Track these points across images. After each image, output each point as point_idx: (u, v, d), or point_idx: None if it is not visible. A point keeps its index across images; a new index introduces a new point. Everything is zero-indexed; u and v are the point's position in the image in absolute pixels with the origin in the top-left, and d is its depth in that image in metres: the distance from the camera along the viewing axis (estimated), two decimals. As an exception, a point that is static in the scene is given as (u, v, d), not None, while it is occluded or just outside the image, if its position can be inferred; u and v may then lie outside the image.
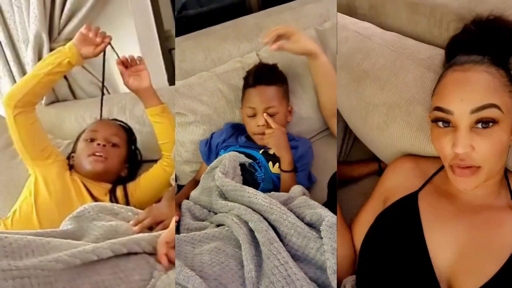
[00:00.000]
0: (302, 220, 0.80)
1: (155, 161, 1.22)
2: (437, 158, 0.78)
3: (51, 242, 0.72)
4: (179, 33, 1.44)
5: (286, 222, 0.78)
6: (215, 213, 0.95)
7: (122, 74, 1.13)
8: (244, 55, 1.34)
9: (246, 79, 1.16)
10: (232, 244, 0.80)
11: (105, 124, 1.24)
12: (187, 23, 1.96)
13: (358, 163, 1.12)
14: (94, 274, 0.71)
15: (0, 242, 0.66)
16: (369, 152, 1.06)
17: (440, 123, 0.69)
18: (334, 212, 0.80)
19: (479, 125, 0.65)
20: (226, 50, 1.36)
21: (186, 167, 1.26)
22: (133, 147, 1.27)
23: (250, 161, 1.08)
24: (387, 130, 0.91)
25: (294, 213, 0.82)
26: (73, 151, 1.21)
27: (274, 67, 1.16)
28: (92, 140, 1.16)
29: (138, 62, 1.14)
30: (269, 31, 1.04)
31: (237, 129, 1.20)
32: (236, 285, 0.70)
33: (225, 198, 0.95)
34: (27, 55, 1.46)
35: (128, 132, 1.27)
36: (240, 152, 1.08)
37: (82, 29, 1.08)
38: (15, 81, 1.51)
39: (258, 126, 1.09)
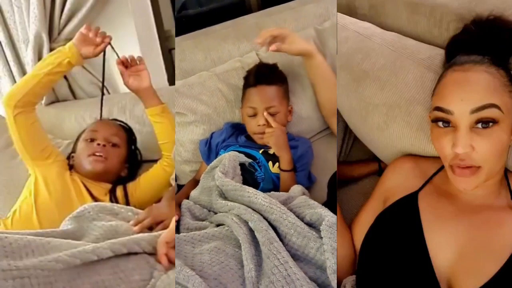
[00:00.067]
0: (302, 220, 0.80)
1: (155, 161, 1.22)
2: (437, 158, 0.78)
3: (51, 242, 0.72)
4: (179, 33, 1.44)
5: (286, 222, 0.78)
6: (215, 213, 0.95)
7: (122, 74, 1.13)
8: (244, 55, 1.34)
9: (246, 78, 1.16)
10: (232, 243, 0.80)
11: (105, 124, 1.24)
12: (187, 23, 1.95)
13: (358, 163, 1.12)
14: (94, 274, 0.71)
15: (0, 242, 0.66)
16: (369, 152, 1.06)
17: (440, 123, 0.69)
18: (334, 212, 0.80)
19: (479, 125, 0.65)
20: (226, 50, 1.35)
21: (186, 166, 1.26)
22: (133, 147, 1.27)
23: (250, 160, 1.08)
24: (387, 130, 0.91)
25: (294, 213, 0.82)
26: (73, 151, 1.21)
27: (274, 66, 1.16)
28: (92, 140, 1.16)
29: (138, 62, 1.14)
30: (263, 33, 1.04)
31: (237, 129, 1.20)
32: (236, 284, 0.70)
33: (225, 198, 0.95)
34: (27, 55, 1.46)
35: (128, 132, 1.27)
36: (240, 152, 1.08)
37: (82, 29, 1.08)
38: (15, 81, 1.51)
39: (259, 125, 1.09)
